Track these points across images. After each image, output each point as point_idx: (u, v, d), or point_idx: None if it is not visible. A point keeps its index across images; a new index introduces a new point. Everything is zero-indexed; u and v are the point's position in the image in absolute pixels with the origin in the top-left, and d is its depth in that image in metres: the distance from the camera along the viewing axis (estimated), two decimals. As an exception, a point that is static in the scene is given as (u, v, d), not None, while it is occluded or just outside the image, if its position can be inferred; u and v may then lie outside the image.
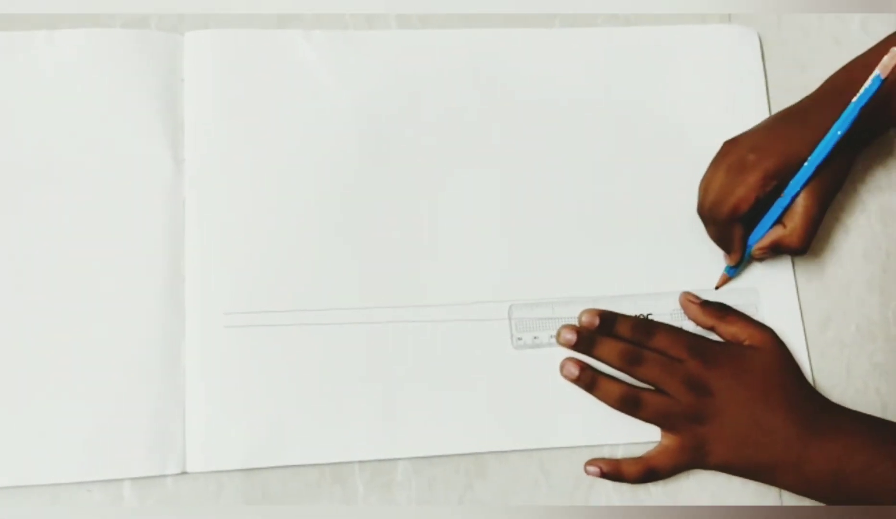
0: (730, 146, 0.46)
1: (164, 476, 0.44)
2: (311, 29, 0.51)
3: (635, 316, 0.47)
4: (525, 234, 0.49)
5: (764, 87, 0.52)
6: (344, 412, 0.45)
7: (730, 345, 0.47)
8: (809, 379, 0.48)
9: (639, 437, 0.46)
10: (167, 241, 0.47)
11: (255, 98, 0.49)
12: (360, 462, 0.45)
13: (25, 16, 0.49)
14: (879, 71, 0.41)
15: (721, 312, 0.47)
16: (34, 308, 0.45)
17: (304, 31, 0.50)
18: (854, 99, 0.42)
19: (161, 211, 0.47)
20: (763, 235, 0.46)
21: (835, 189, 0.46)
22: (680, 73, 0.52)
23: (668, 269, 0.49)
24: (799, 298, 0.49)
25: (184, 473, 0.44)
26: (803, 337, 0.48)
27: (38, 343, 0.45)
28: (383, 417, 0.45)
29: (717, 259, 0.49)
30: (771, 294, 0.49)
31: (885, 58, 0.41)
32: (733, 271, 0.48)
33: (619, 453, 0.46)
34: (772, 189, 0.44)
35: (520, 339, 0.47)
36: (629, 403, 0.45)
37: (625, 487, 0.46)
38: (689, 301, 0.48)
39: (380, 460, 0.45)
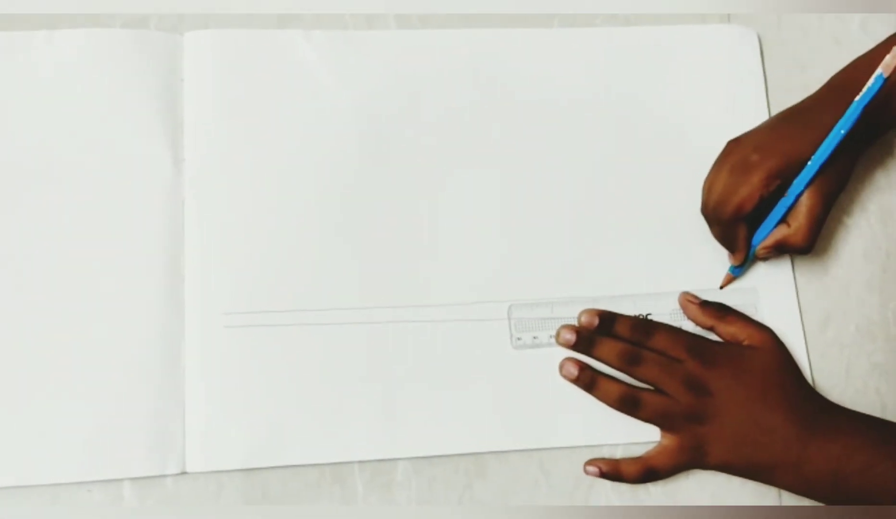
0: (733, 146, 0.46)
1: (164, 476, 0.44)
2: (311, 29, 0.51)
3: (634, 316, 0.47)
4: (525, 234, 0.49)
5: (763, 87, 0.52)
6: (344, 412, 0.45)
7: (729, 345, 0.47)
8: (809, 379, 0.48)
9: (638, 437, 0.46)
10: (167, 241, 0.47)
11: (255, 98, 0.49)
12: (360, 462, 0.45)
13: (25, 16, 0.49)
14: (882, 70, 0.41)
15: (720, 312, 0.47)
16: (34, 308, 0.45)
17: (304, 31, 0.50)
18: (857, 98, 0.42)
19: (161, 211, 0.47)
20: (767, 235, 0.46)
21: (838, 188, 0.46)
22: (679, 73, 0.52)
23: (667, 269, 0.49)
24: (798, 298, 0.49)
25: (184, 473, 0.44)
26: (803, 337, 0.48)
27: (38, 343, 0.45)
28: (383, 417, 0.45)
29: (716, 259, 0.49)
30: (770, 294, 0.49)
31: (888, 57, 0.41)
32: (738, 271, 0.48)
33: (619, 453, 0.46)
34: (775, 188, 0.44)
35: (519, 339, 0.47)
36: (628, 403, 0.45)
37: (624, 487, 0.46)
38: (689, 301, 0.48)
39: (380, 460, 0.45)
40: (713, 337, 0.48)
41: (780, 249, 0.46)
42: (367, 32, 0.51)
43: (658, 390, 0.45)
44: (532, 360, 0.47)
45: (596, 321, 0.45)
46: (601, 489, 0.46)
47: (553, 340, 0.46)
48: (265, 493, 0.44)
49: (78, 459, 0.43)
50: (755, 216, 0.46)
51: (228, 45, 0.50)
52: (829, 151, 0.43)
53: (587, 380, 0.45)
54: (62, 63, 0.48)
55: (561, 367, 0.46)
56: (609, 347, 0.45)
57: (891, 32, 0.49)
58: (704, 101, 0.52)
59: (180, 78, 0.49)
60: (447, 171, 0.49)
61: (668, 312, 0.48)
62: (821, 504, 0.45)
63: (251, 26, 0.50)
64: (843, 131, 0.43)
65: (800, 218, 0.45)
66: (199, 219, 0.47)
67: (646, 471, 0.45)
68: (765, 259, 0.48)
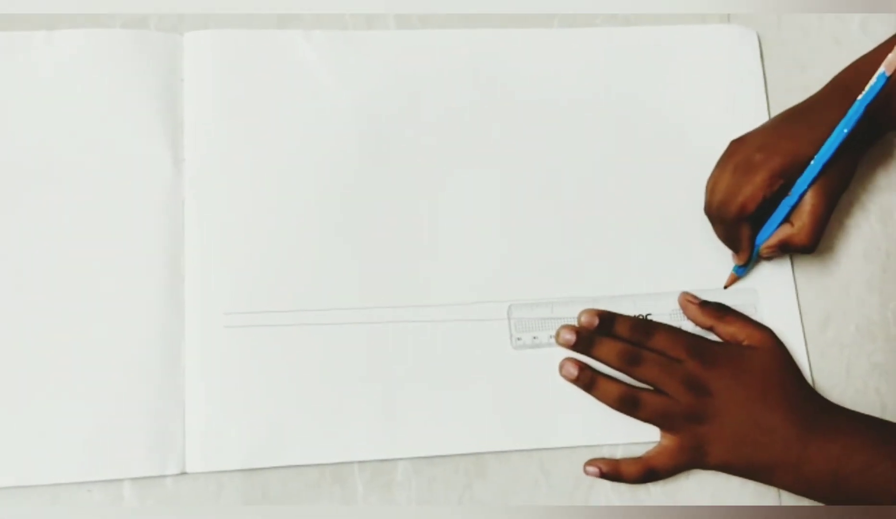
0: (736, 145, 0.47)
1: (164, 476, 0.44)
2: (311, 29, 0.51)
3: (634, 316, 0.47)
4: (524, 234, 0.49)
5: (763, 88, 0.52)
6: (344, 412, 0.45)
7: (729, 345, 0.47)
8: (809, 379, 0.48)
9: (638, 437, 0.46)
10: (167, 241, 0.47)
11: (255, 98, 0.49)
12: (360, 462, 0.45)
13: (25, 16, 0.49)
14: (884, 68, 0.41)
15: (720, 312, 0.47)
16: (34, 308, 0.45)
17: (304, 31, 0.50)
18: (859, 97, 0.42)
19: (161, 211, 0.47)
20: (771, 234, 0.46)
21: (842, 187, 0.46)
22: (679, 74, 0.52)
23: (667, 269, 0.49)
24: (798, 298, 0.49)
25: (183, 473, 0.44)
26: (802, 337, 0.48)
27: (38, 343, 0.45)
28: (383, 417, 0.45)
29: (716, 259, 0.49)
30: (770, 294, 0.49)
31: (890, 55, 0.41)
32: (742, 271, 0.48)
33: (619, 453, 0.46)
34: (779, 188, 0.44)
35: (519, 339, 0.47)
36: (628, 404, 0.45)
37: (624, 487, 0.46)
38: (689, 301, 0.48)
39: (380, 460, 0.45)
40: (713, 337, 0.48)
41: (784, 249, 0.46)
42: (367, 32, 0.51)
43: (658, 390, 0.45)
44: (532, 360, 0.47)
45: (596, 321, 0.45)
46: (601, 489, 0.46)
47: (553, 340, 0.46)
48: (265, 493, 0.44)
49: (78, 459, 0.43)
50: (759, 216, 0.46)
51: (228, 45, 0.50)
52: (832, 150, 0.43)
53: (587, 380, 0.45)
54: (62, 63, 0.48)
55: (561, 367, 0.46)
56: (609, 347, 0.45)
57: (891, 32, 0.49)
58: (704, 101, 0.52)
59: (180, 78, 0.49)
60: (447, 171, 0.49)
61: (667, 312, 0.48)
62: (821, 504, 0.45)
63: (251, 26, 0.50)
64: (845, 130, 0.43)
65: (803, 217, 0.45)
66: (199, 219, 0.47)
67: (646, 471, 0.45)
68: (769, 259, 0.48)
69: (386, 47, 0.51)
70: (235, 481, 0.44)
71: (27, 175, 0.47)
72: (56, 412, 0.44)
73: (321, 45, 0.50)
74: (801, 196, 0.45)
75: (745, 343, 0.46)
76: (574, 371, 0.45)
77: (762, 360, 0.46)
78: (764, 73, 0.52)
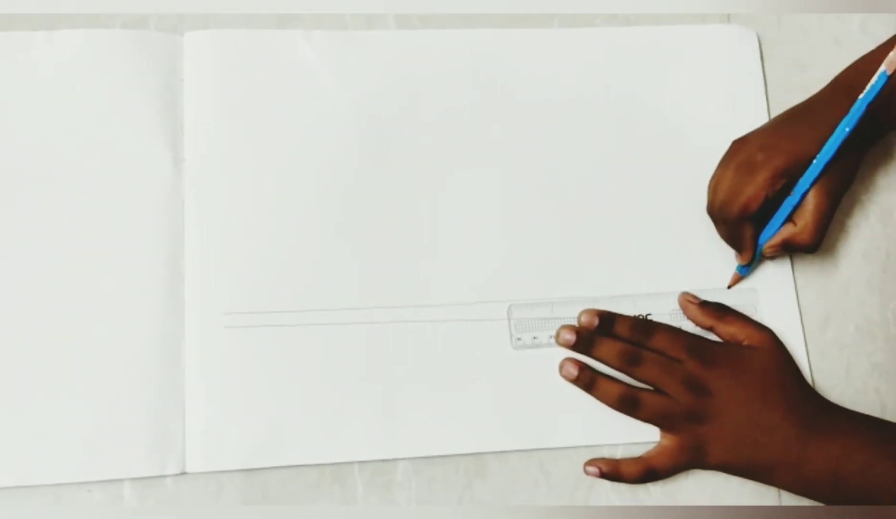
0: (738, 145, 0.47)
1: (164, 476, 0.44)
2: (311, 29, 0.51)
3: (634, 316, 0.47)
4: (524, 234, 0.49)
5: (763, 88, 0.52)
6: (344, 412, 0.45)
7: (729, 345, 0.47)
8: (809, 379, 0.48)
9: (638, 437, 0.46)
10: (167, 241, 0.47)
11: (255, 98, 0.49)
12: (360, 462, 0.45)
13: (25, 16, 0.49)
14: (885, 67, 0.41)
15: (720, 312, 0.47)
16: (34, 308, 0.45)
17: (304, 31, 0.50)
18: (861, 96, 0.42)
19: (161, 211, 0.47)
20: (774, 234, 0.46)
21: (844, 186, 0.46)
22: (679, 74, 0.52)
23: (667, 269, 0.49)
24: (798, 298, 0.49)
25: (183, 473, 0.44)
26: (802, 337, 0.48)
27: (38, 343, 0.45)
28: (383, 417, 0.45)
29: (716, 259, 0.49)
30: (770, 294, 0.49)
31: (891, 54, 0.41)
32: (745, 270, 0.48)
33: (619, 453, 0.46)
34: (781, 187, 0.44)
35: (519, 339, 0.47)
36: (628, 404, 0.45)
37: (624, 487, 0.46)
38: (688, 301, 0.48)
39: (380, 460, 0.45)
40: (713, 337, 0.48)
41: (787, 248, 0.46)
42: (367, 32, 0.51)
43: (658, 390, 0.45)
44: (532, 360, 0.47)
45: (596, 321, 0.45)
46: (601, 489, 0.46)
47: (553, 340, 0.46)
48: (265, 493, 0.44)
49: (78, 459, 0.43)
50: (761, 215, 0.46)
51: (228, 45, 0.50)
52: (834, 149, 0.43)
53: (587, 380, 0.45)
54: (62, 63, 0.48)
55: (561, 367, 0.46)
56: (609, 347, 0.45)
57: (891, 32, 0.50)
58: (704, 101, 0.52)
59: (180, 78, 0.49)
60: (447, 171, 0.49)
61: (667, 312, 0.48)
62: (821, 504, 0.45)
63: (251, 26, 0.50)
64: (847, 129, 0.43)
65: (806, 216, 0.45)
66: (199, 219, 0.47)
67: (646, 471, 0.45)
68: (772, 258, 0.48)
69: (386, 47, 0.51)
70: (235, 481, 0.44)
71: (27, 175, 0.47)
72: (56, 412, 0.44)
73: (321, 45, 0.50)
74: (804, 195, 0.45)
75: (745, 343, 0.46)
76: (574, 371, 0.45)
77: (762, 360, 0.46)
78: (764, 73, 0.52)
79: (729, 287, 0.49)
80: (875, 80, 0.42)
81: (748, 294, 0.49)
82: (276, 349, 0.46)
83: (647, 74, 0.52)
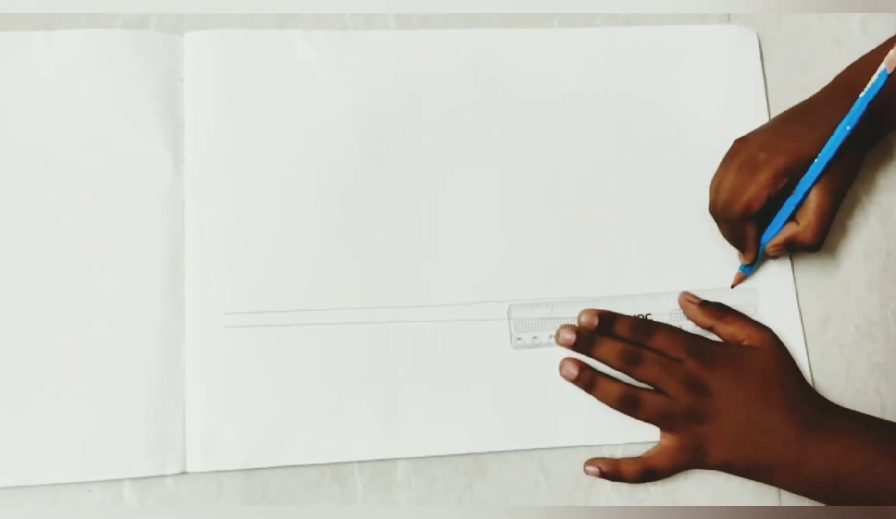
0: (740, 145, 0.47)
1: (164, 476, 0.44)
2: (311, 29, 0.51)
3: (634, 316, 0.47)
4: (524, 234, 0.49)
5: (763, 88, 0.52)
6: (344, 412, 0.45)
7: (729, 345, 0.47)
8: (809, 379, 0.48)
9: (638, 437, 0.46)
10: (167, 241, 0.47)
11: (255, 98, 0.49)
12: (360, 462, 0.45)
13: (25, 16, 0.49)
14: (886, 65, 0.41)
15: (720, 312, 0.47)
16: (34, 308, 0.45)
17: (304, 31, 0.50)
18: (861, 94, 0.42)
19: (161, 211, 0.47)
20: (776, 233, 0.46)
21: (846, 185, 0.46)
22: (679, 73, 0.52)
23: (667, 269, 0.49)
24: (798, 298, 0.49)
25: (183, 473, 0.44)
26: (802, 337, 0.48)
27: (38, 343, 0.45)
28: (383, 417, 0.45)
29: (716, 259, 0.49)
30: (770, 294, 0.49)
31: (891, 52, 0.41)
32: (748, 270, 0.48)
33: (619, 453, 0.46)
34: (783, 186, 0.44)
35: (519, 339, 0.47)
36: (628, 403, 0.45)
37: (624, 487, 0.46)
38: (689, 301, 0.48)
39: (380, 460, 0.45)
40: (713, 337, 0.48)
41: (790, 247, 0.46)
42: (367, 32, 0.51)
43: (658, 390, 0.45)
44: (532, 360, 0.47)
45: (596, 321, 0.46)
46: (601, 489, 0.46)
47: (553, 340, 0.46)
48: (265, 493, 0.44)
49: (78, 459, 0.43)
50: (764, 215, 0.46)
51: (228, 45, 0.50)
52: (835, 148, 0.43)
53: (587, 380, 0.45)
54: (62, 63, 0.48)
55: (561, 367, 0.46)
56: (609, 347, 0.45)
57: (891, 32, 0.50)
58: (704, 101, 0.52)
59: (180, 78, 0.49)
60: (447, 171, 0.49)
61: (667, 312, 0.48)
62: (821, 504, 0.45)
63: (251, 26, 0.50)
64: (848, 128, 0.43)
65: (808, 215, 0.45)
66: (199, 219, 0.47)
67: (645, 471, 0.45)
68: (775, 257, 0.48)
69: (386, 47, 0.51)
70: (235, 481, 0.44)
71: (27, 175, 0.47)
72: (56, 412, 0.44)
73: (321, 45, 0.50)
74: (806, 194, 0.45)
75: (745, 343, 0.46)
76: (574, 371, 0.45)
77: (762, 360, 0.46)
78: (764, 73, 0.52)
79: (732, 287, 0.49)
80: (875, 79, 0.42)
81: (748, 294, 0.49)
82: (277, 349, 0.46)
83: (647, 74, 0.52)
